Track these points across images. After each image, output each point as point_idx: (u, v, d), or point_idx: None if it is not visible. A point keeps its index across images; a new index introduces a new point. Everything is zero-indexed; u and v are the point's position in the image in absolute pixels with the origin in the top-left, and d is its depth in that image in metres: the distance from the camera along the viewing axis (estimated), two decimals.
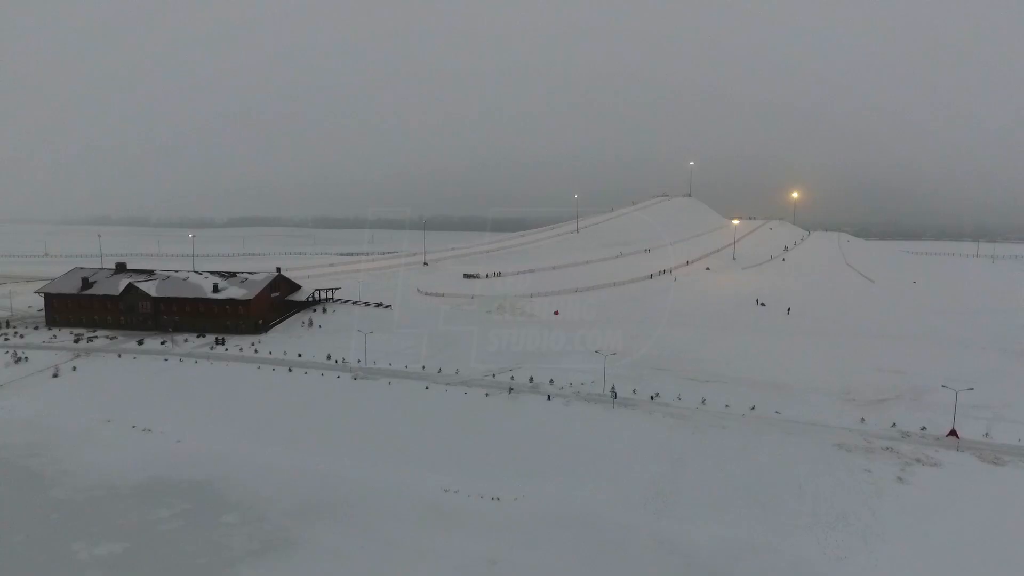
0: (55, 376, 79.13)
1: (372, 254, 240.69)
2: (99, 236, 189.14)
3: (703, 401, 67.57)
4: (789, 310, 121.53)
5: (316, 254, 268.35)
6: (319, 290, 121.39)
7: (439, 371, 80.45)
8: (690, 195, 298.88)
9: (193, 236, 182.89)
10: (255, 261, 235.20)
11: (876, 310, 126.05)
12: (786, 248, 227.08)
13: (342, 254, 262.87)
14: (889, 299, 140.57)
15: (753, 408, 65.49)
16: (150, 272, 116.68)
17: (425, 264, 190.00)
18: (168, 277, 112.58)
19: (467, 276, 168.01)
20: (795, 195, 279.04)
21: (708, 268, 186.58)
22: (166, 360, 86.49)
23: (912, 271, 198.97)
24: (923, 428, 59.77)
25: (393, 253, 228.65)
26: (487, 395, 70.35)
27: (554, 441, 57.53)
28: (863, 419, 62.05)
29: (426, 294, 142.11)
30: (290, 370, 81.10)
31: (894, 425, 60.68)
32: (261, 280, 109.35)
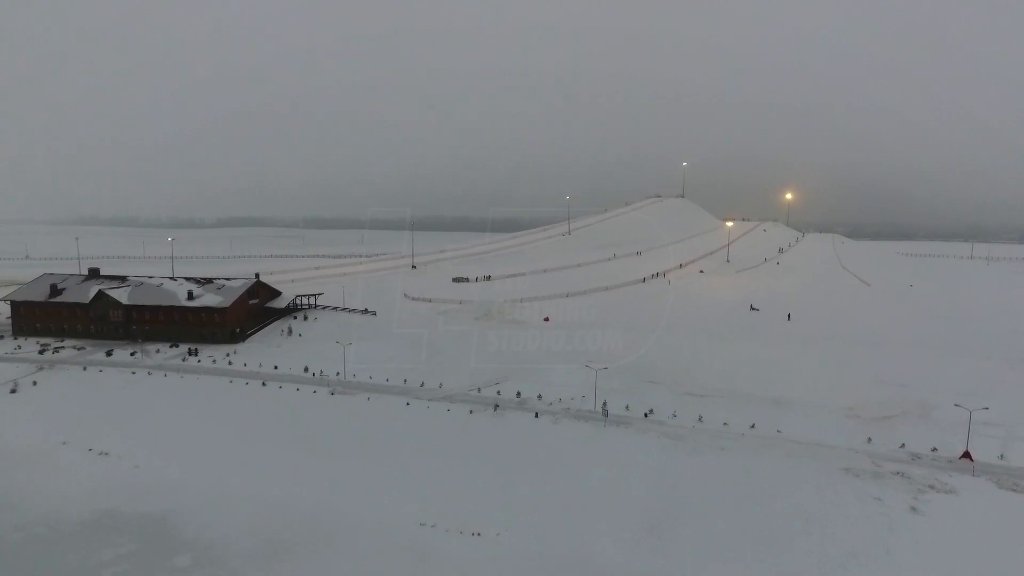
0: (13, 392, 74.47)
1: (360, 256, 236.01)
2: (76, 239, 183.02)
3: (700, 418, 63.78)
4: (790, 316, 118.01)
5: (303, 256, 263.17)
6: (300, 296, 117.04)
7: (422, 385, 76.31)
8: (683, 196, 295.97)
9: (172, 240, 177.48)
10: (241, 264, 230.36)
11: (875, 316, 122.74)
12: (781, 250, 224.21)
13: (330, 256, 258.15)
14: (887, 304, 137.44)
15: (753, 426, 61.75)
16: (123, 278, 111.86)
17: (413, 267, 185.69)
18: (141, 284, 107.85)
19: (456, 280, 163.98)
20: (789, 196, 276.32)
21: (702, 271, 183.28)
22: (134, 373, 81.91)
23: (908, 274, 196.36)
24: (934, 449, 56.18)
25: (382, 255, 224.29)
26: (471, 412, 66.31)
27: (541, 466, 53.55)
28: (870, 439, 58.39)
29: (413, 299, 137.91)
30: (264, 384, 76.75)
31: (903, 446, 57.05)
32: (238, 287, 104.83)
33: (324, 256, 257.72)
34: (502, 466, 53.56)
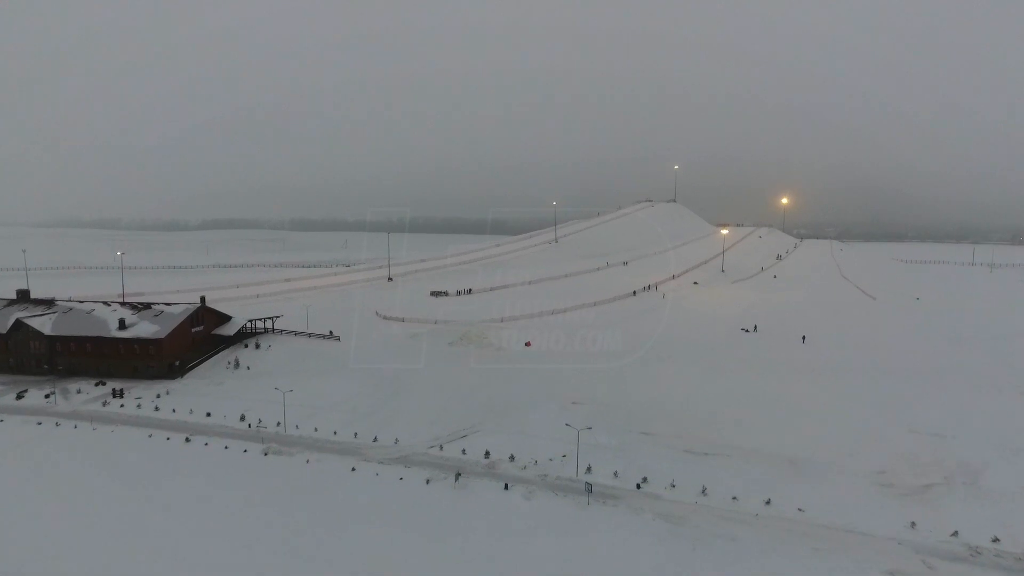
0: None
1: (336, 267, 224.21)
2: (23, 251, 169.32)
3: (703, 491, 52.71)
4: (804, 338, 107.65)
5: (276, 266, 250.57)
6: (254, 320, 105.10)
7: (374, 440, 64.76)
8: (675, 200, 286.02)
9: (122, 254, 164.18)
10: (211, 274, 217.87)
11: (886, 337, 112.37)
12: (779, 257, 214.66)
13: (306, 266, 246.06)
14: (896, 322, 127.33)
15: (768, 502, 50.76)
16: (49, 303, 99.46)
17: (390, 279, 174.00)
18: (70, 310, 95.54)
19: (434, 294, 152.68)
20: (785, 201, 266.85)
21: (696, 282, 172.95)
22: (40, 424, 69.82)
23: (911, 284, 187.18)
24: (995, 539, 45.35)
25: (358, 265, 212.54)
26: (428, 482, 54.88)
27: (506, 571, 42.18)
28: (913, 523, 47.50)
29: (385, 318, 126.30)
30: (188, 440, 64.95)
31: (955, 533, 46.17)
32: (179, 313, 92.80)
33: (298, 266, 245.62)
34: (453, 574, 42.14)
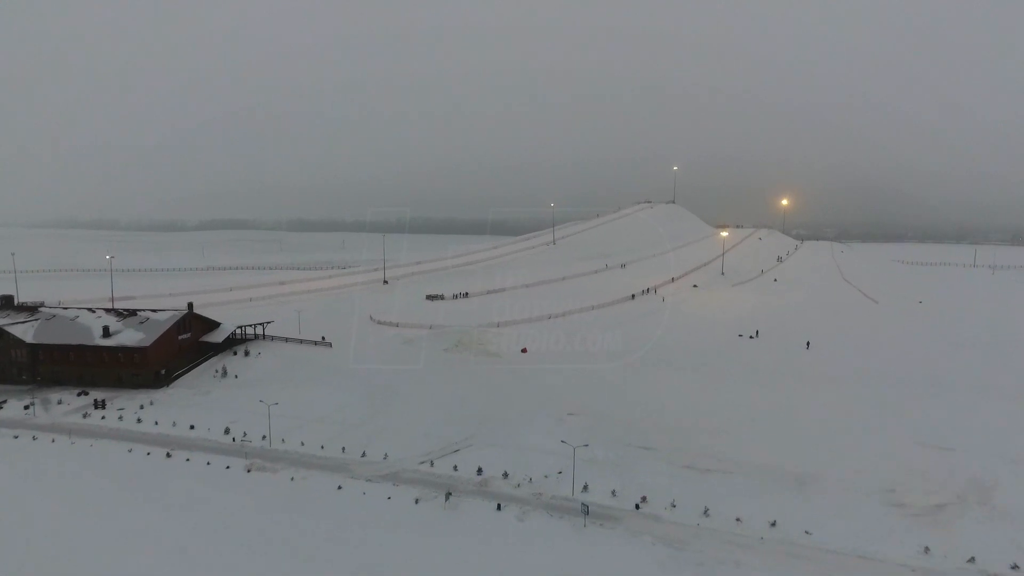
0: None
1: (331, 269, 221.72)
2: (12, 254, 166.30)
3: (706, 511, 50.25)
4: (808, 344, 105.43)
5: (271, 269, 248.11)
6: (244, 326, 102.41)
7: (363, 455, 62.23)
8: (674, 201, 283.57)
9: (112, 257, 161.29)
10: (204, 277, 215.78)
11: (889, 343, 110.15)
12: (779, 259, 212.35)
13: (301, 268, 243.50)
14: (899, 327, 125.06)
15: (774, 524, 48.32)
16: (33, 309, 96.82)
17: (385, 282, 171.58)
18: (53, 316, 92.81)
19: (430, 297, 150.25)
20: (785, 203, 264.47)
21: (695, 285, 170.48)
22: (16, 438, 67.17)
23: (912, 287, 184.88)
24: (1014, 567, 42.96)
25: (354, 267, 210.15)
26: (417, 502, 52.38)
27: None
28: (927, 548, 45.07)
29: (379, 323, 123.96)
30: (169, 455, 62.39)
31: (972, 560, 43.75)
32: (165, 320, 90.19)
33: (294, 268, 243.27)
34: None
